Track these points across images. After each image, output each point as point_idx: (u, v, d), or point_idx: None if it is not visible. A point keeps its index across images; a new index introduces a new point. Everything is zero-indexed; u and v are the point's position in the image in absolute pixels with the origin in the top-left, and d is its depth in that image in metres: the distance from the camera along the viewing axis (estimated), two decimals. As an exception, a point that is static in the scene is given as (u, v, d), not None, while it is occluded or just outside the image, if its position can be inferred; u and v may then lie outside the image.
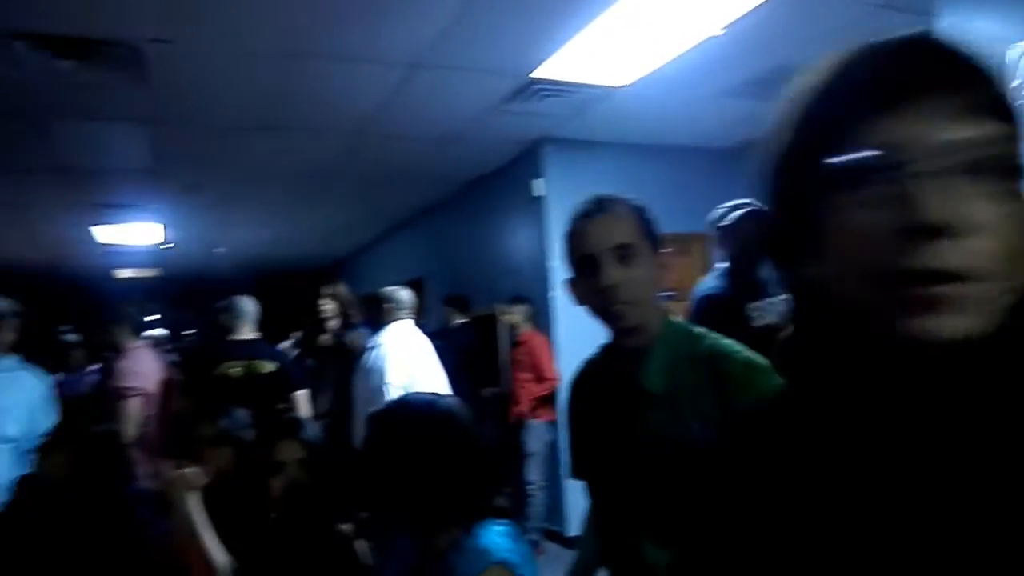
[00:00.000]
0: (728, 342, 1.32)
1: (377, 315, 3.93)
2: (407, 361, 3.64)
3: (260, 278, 11.13)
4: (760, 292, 2.73)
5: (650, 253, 1.32)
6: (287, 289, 10.37)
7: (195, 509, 2.07)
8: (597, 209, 1.33)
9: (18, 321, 3.02)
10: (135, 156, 5.13)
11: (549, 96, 4.27)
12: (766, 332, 2.50)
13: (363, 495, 1.45)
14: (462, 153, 5.40)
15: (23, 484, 2.42)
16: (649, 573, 1.27)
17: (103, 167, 5.38)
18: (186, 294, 11.98)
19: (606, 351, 1.41)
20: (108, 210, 6.65)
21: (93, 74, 3.59)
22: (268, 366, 3.61)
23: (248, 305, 3.74)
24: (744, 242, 2.74)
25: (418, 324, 6.21)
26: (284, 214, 7.56)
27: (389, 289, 3.97)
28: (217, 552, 2.07)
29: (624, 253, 1.29)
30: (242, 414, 2.36)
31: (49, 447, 2.32)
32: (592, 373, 1.46)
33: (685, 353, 1.30)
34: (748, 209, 2.73)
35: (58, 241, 7.95)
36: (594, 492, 1.44)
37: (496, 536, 1.31)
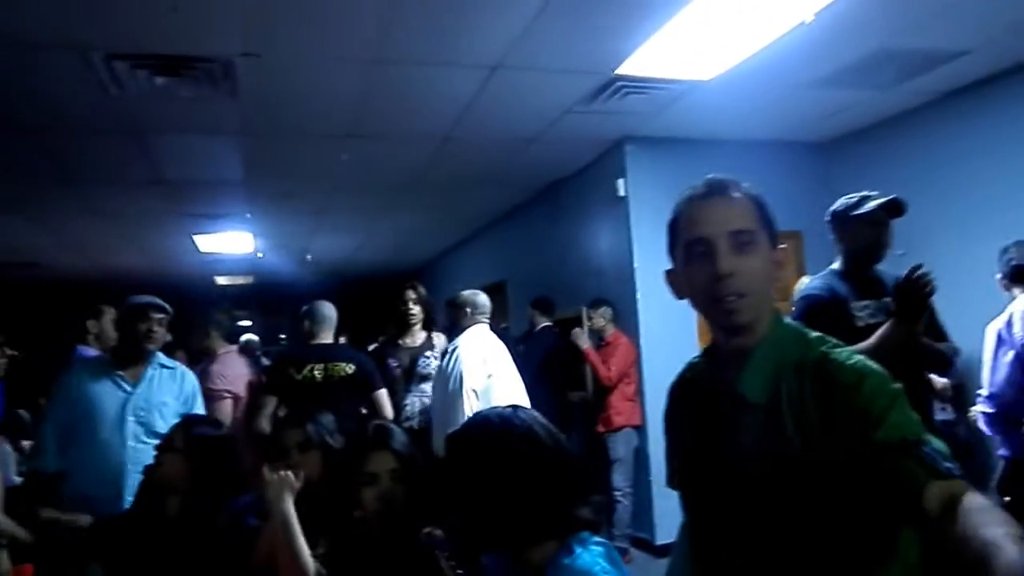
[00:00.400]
0: (842, 350, 1.18)
1: (454, 319, 3.91)
2: (484, 365, 3.60)
3: (345, 284, 11.43)
4: (874, 290, 2.55)
5: (767, 245, 1.20)
6: (370, 295, 10.61)
7: (291, 512, 2.10)
8: (713, 191, 1.22)
9: (169, 321, 3.09)
10: (227, 167, 5.33)
11: (632, 93, 4.17)
12: (868, 333, 2.34)
13: (447, 513, 1.42)
14: (544, 154, 5.36)
15: (143, 484, 2.50)
16: None
17: (198, 179, 5.62)
18: (277, 300, 12.42)
19: (708, 353, 1.30)
20: (204, 220, 6.96)
21: (188, 90, 3.74)
22: (347, 368, 3.67)
23: (327, 310, 3.81)
24: (874, 234, 2.54)
25: (501, 328, 6.20)
26: (368, 221, 7.71)
27: (467, 293, 3.94)
28: (308, 556, 2.09)
29: (742, 240, 1.17)
30: (328, 420, 2.37)
31: (165, 447, 2.39)
32: (692, 378, 1.35)
33: (792, 359, 1.17)
34: (889, 198, 2.49)
35: (161, 249, 8.38)
36: (688, 506, 1.34)
37: (595, 557, 1.25)
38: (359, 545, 1.91)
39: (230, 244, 8.08)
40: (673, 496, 1.37)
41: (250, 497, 2.60)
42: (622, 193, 5.13)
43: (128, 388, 2.95)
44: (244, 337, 7.13)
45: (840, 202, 2.63)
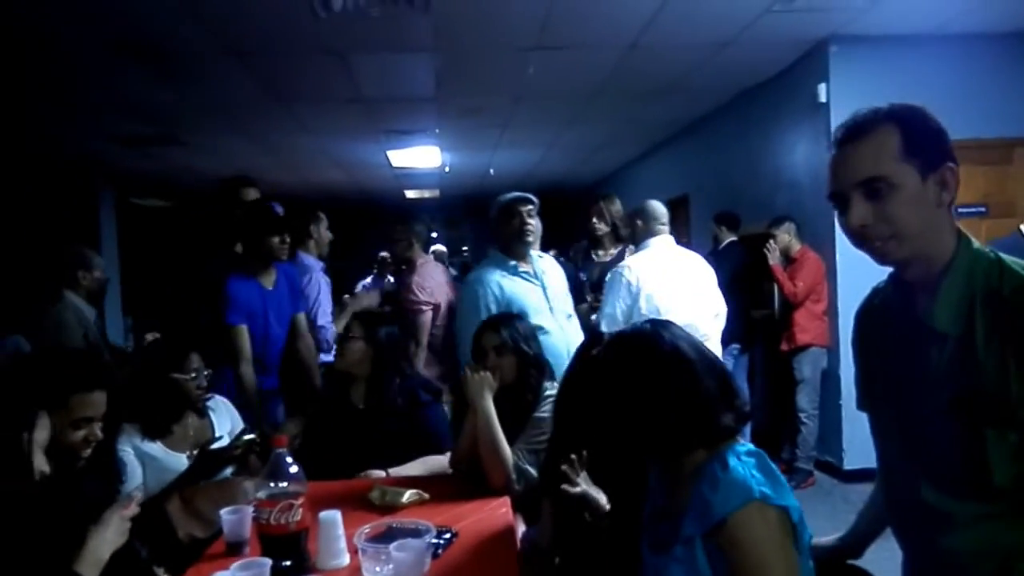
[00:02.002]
0: None
1: (631, 232, 3.76)
2: (628, 293, 3.34)
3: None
4: None
5: (916, 177, 1.12)
6: (548, 210, 10.73)
7: (491, 408, 2.27)
8: (844, 136, 1.18)
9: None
10: (419, 83, 5.55)
11: (842, -14, 3.80)
12: None
13: (593, 428, 1.48)
14: (737, 59, 5.05)
15: (328, 374, 2.83)
16: (928, 517, 1.18)
17: (392, 95, 5.89)
18: (461, 213, 12.95)
19: (894, 279, 1.26)
20: (397, 135, 7.33)
21: (387, 7, 3.88)
22: None
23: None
24: None
25: (681, 243, 6.03)
26: (549, 134, 7.74)
27: (644, 203, 3.66)
28: (507, 449, 2.26)
29: (874, 188, 1.13)
30: (525, 326, 2.49)
31: (345, 337, 2.70)
32: (879, 304, 1.33)
33: (983, 287, 1.11)
34: None
35: (358, 164, 8.96)
36: (875, 430, 1.33)
37: (749, 468, 1.25)
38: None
39: (420, 159, 8.46)
40: (864, 421, 1.36)
41: (420, 377, 2.87)
42: (823, 99, 4.75)
43: (537, 280, 3.16)
44: (433, 248, 7.58)
45: None
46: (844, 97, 4.68)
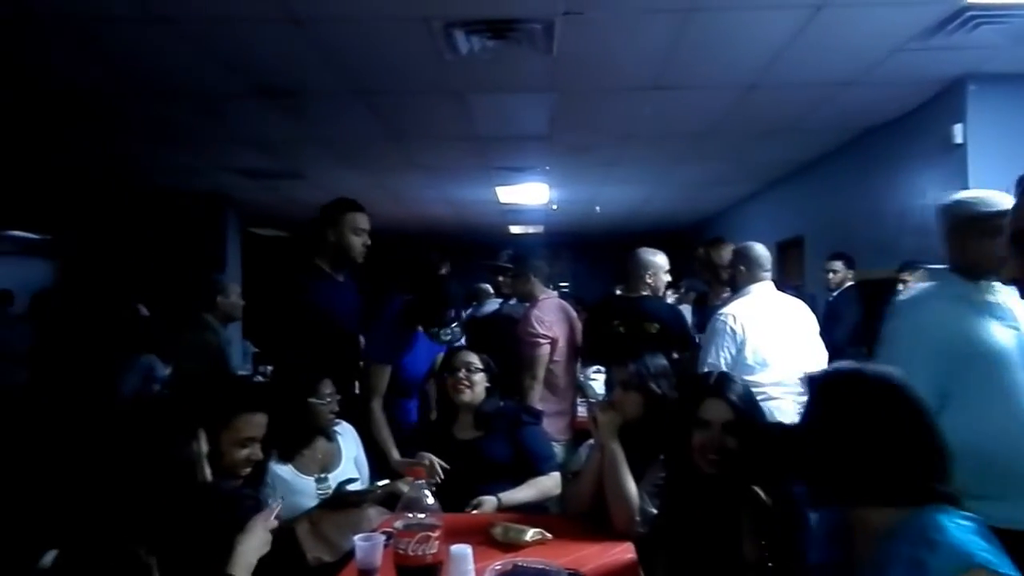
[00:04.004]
0: None
1: (731, 279, 3.61)
2: (732, 338, 3.20)
3: (628, 237, 11.55)
4: None
5: None
6: (656, 247, 10.60)
7: (619, 449, 2.24)
8: None
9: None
10: (533, 122, 5.63)
11: (985, 23, 3.61)
12: None
13: (796, 461, 1.41)
14: (860, 99, 4.89)
15: (441, 405, 2.93)
16: None
17: (506, 134, 6.01)
18: (563, 249, 12.95)
19: None
20: (507, 172, 7.45)
21: (509, 50, 3.98)
22: (651, 327, 3.63)
23: (642, 257, 3.82)
24: None
25: (794, 286, 5.81)
26: (659, 172, 7.68)
27: (739, 247, 3.53)
28: (633, 489, 2.22)
29: None
30: (657, 363, 2.43)
31: (472, 370, 2.78)
32: None
33: None
34: None
35: (465, 200, 9.16)
36: None
37: (968, 533, 1.17)
38: (689, 489, 1.96)
39: (528, 195, 8.57)
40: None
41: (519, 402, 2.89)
42: (959, 140, 4.51)
43: (1016, 323, 2.09)
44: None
45: None
46: (982, 138, 4.43)
